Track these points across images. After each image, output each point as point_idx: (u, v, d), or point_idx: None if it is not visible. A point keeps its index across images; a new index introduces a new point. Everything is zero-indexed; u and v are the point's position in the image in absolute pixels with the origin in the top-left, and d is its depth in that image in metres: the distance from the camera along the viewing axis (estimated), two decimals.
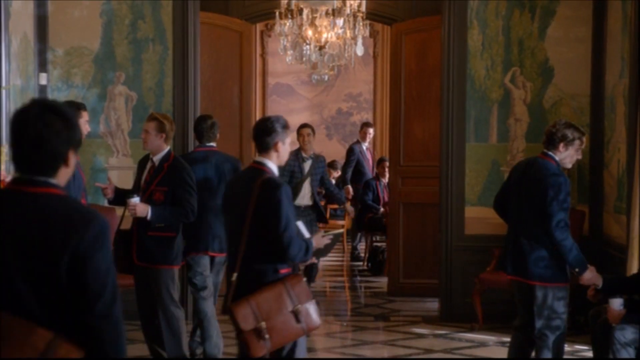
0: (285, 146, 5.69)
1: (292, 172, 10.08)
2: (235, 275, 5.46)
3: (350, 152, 14.35)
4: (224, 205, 5.93)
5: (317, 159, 10.35)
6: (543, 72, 9.75)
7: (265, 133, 5.63)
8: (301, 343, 5.64)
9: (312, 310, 5.54)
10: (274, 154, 5.65)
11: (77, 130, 3.38)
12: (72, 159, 3.35)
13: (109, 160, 9.68)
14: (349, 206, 12.93)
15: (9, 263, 3.21)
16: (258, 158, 5.71)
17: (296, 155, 10.11)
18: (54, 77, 9.66)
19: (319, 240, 5.86)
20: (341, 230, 6.65)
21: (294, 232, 5.47)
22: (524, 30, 9.74)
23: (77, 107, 7.21)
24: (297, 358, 5.66)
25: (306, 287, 5.58)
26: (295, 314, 5.47)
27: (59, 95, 9.50)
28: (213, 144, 8.14)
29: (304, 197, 10.10)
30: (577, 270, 6.47)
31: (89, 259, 3.22)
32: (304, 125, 10.40)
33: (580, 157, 6.75)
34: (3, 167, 6.39)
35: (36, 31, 9.46)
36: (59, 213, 3.27)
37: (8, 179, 6.39)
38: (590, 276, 6.52)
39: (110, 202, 7.54)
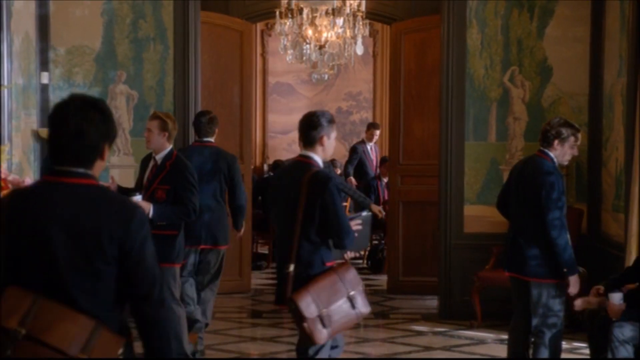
0: (331, 140, 5.84)
1: None
2: (292, 266, 5.54)
3: (353, 151, 14.38)
4: (271, 199, 6.00)
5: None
6: (542, 71, 9.76)
7: (311, 127, 5.77)
8: (327, 344, 5.71)
9: (363, 296, 5.68)
10: (319, 148, 5.79)
11: (113, 124, 3.54)
12: (107, 152, 3.48)
13: (110, 158, 9.69)
14: (375, 207, 10.76)
15: (53, 253, 3.31)
16: (304, 152, 5.80)
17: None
18: (55, 76, 9.68)
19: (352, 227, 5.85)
20: (369, 213, 6.66)
21: (347, 222, 5.62)
22: (522, 29, 9.75)
23: None
24: (322, 358, 5.73)
25: (356, 274, 5.69)
26: (351, 301, 5.59)
27: (60, 94, 9.50)
28: (210, 139, 8.26)
29: None
30: (566, 270, 6.45)
31: (140, 249, 3.37)
32: None
33: (576, 153, 6.76)
34: (4, 165, 6.39)
35: (38, 30, 9.48)
36: (102, 203, 3.39)
37: (10, 177, 6.40)
38: (576, 281, 6.50)
39: None
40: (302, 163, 5.76)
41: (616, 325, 6.42)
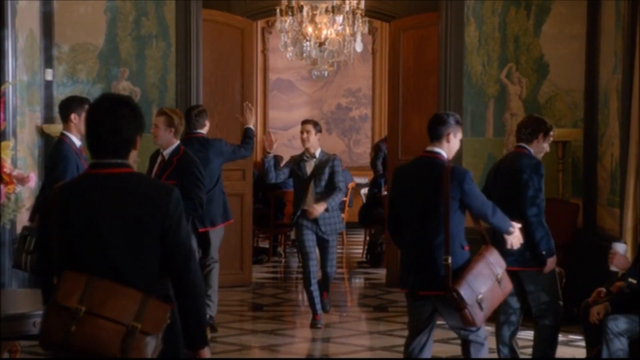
0: (456, 140, 6.03)
1: (291, 170, 9.08)
2: (449, 258, 5.76)
3: (377, 148, 14.00)
4: (396, 196, 6.16)
5: (326, 158, 9.03)
6: (538, 68, 9.77)
7: (439, 123, 6.00)
8: None
9: (505, 274, 5.97)
10: (445, 144, 5.98)
11: (142, 118, 3.94)
12: (139, 142, 3.91)
13: None
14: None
15: (104, 236, 3.75)
16: (430, 147, 6.01)
17: (299, 157, 9.12)
18: (59, 73, 9.69)
19: None
20: None
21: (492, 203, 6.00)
22: (519, 27, 9.76)
23: (81, 101, 7.23)
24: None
25: (498, 254, 5.96)
26: (498, 282, 5.87)
27: (64, 90, 9.52)
28: (201, 130, 8.56)
29: (312, 201, 8.92)
30: (544, 253, 6.64)
31: (177, 226, 3.84)
32: (305, 122, 9.18)
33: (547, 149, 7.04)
34: (9, 161, 6.39)
35: (42, 28, 9.49)
36: (142, 188, 3.87)
37: (15, 172, 6.41)
38: (553, 264, 6.69)
39: None
40: (430, 158, 6.00)
41: (611, 318, 6.44)
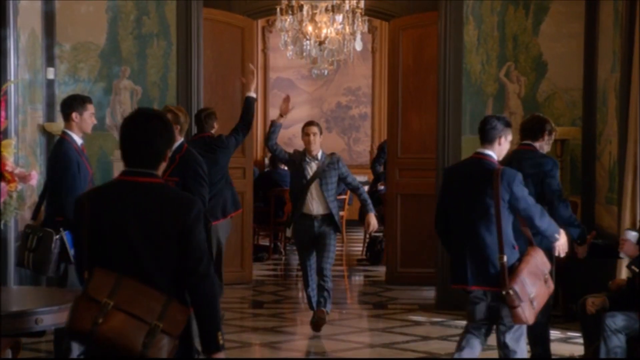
0: (506, 142, 6.17)
1: (291, 162, 8.87)
2: (505, 257, 5.89)
3: (380, 149, 13.85)
4: (445, 196, 6.31)
5: (330, 159, 8.77)
6: (537, 66, 9.78)
7: (491, 126, 6.12)
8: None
9: (549, 275, 6.13)
10: (496, 147, 6.13)
11: (173, 132, 4.22)
12: (169, 155, 4.16)
13: (115, 152, 9.71)
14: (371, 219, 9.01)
15: (132, 239, 3.98)
16: (481, 149, 6.15)
17: (301, 155, 8.82)
18: (61, 72, 9.69)
19: None
20: None
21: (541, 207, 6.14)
22: (518, 26, 9.77)
23: (82, 100, 7.23)
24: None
25: (543, 255, 6.10)
26: (545, 281, 6.04)
27: (66, 89, 9.52)
28: (210, 132, 8.78)
29: (313, 205, 8.73)
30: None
31: (192, 232, 4.03)
32: (309, 123, 8.93)
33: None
34: (11, 159, 6.39)
35: (44, 27, 9.49)
36: (168, 198, 4.10)
37: (16, 171, 6.41)
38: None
39: None
40: (480, 160, 6.13)
41: (608, 315, 6.45)
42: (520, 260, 5.97)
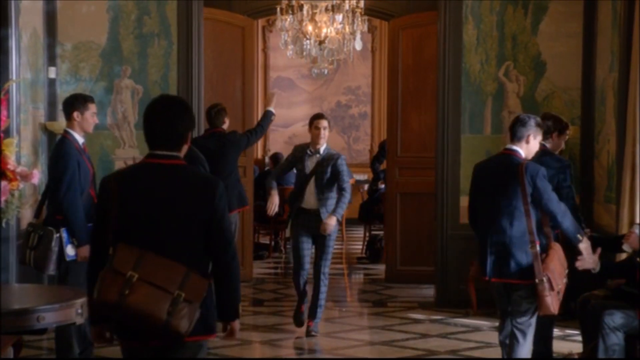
0: (535, 141, 6.29)
1: (297, 167, 8.62)
2: (537, 245, 6.05)
3: (381, 147, 13.68)
4: (474, 190, 6.48)
5: (330, 156, 8.44)
6: (536, 66, 9.78)
7: (522, 124, 6.25)
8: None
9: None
10: (524, 145, 6.25)
11: (193, 116, 4.48)
12: (190, 137, 4.42)
13: (116, 151, 9.71)
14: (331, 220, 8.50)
15: (157, 217, 4.28)
16: (509, 146, 6.30)
17: (302, 149, 8.58)
18: (62, 71, 9.69)
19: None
20: None
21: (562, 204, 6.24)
22: (517, 25, 9.76)
23: (84, 99, 7.23)
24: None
25: (562, 251, 6.24)
26: (567, 276, 6.21)
27: (67, 88, 9.52)
28: (221, 127, 9.11)
29: (311, 199, 8.47)
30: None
31: (222, 213, 4.35)
32: (319, 116, 8.64)
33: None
34: (12, 157, 6.39)
35: (45, 26, 9.48)
36: (193, 179, 4.40)
37: (18, 169, 6.41)
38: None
39: None
40: (508, 155, 6.25)
41: (607, 313, 6.45)
42: (546, 254, 6.10)
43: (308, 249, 8.61)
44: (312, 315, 8.62)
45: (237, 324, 4.47)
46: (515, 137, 6.26)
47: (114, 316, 4.29)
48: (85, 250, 6.98)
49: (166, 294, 4.19)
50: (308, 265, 8.64)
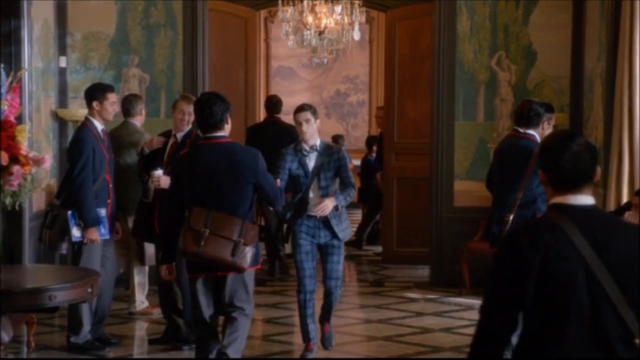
0: (549, 127, 6.79)
1: (292, 173, 6.87)
2: (511, 216, 6.55)
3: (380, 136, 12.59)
4: (494, 164, 7.07)
5: (330, 150, 6.94)
6: (527, 55, 9.78)
7: (534, 112, 6.75)
8: None
9: None
10: (540, 131, 6.72)
11: (228, 103, 5.82)
12: (229, 119, 5.82)
13: None
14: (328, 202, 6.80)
15: (218, 184, 5.66)
16: (520, 128, 6.82)
17: (295, 150, 6.94)
18: (72, 60, 9.69)
19: None
20: None
21: None
22: (509, 16, 9.76)
23: (103, 90, 7.27)
24: None
25: None
26: None
27: (77, 77, 9.54)
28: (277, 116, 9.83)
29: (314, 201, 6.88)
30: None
31: (266, 176, 5.84)
32: (299, 109, 6.96)
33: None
34: (26, 144, 6.41)
35: (56, 17, 9.49)
36: (239, 152, 5.81)
37: (31, 154, 6.43)
38: None
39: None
40: (524, 138, 6.73)
41: None
42: None
43: (311, 268, 7.01)
44: (326, 315, 7.29)
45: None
46: (530, 125, 6.70)
47: (193, 260, 5.67)
48: (92, 233, 7.00)
49: (230, 241, 5.54)
50: (313, 287, 7.04)
